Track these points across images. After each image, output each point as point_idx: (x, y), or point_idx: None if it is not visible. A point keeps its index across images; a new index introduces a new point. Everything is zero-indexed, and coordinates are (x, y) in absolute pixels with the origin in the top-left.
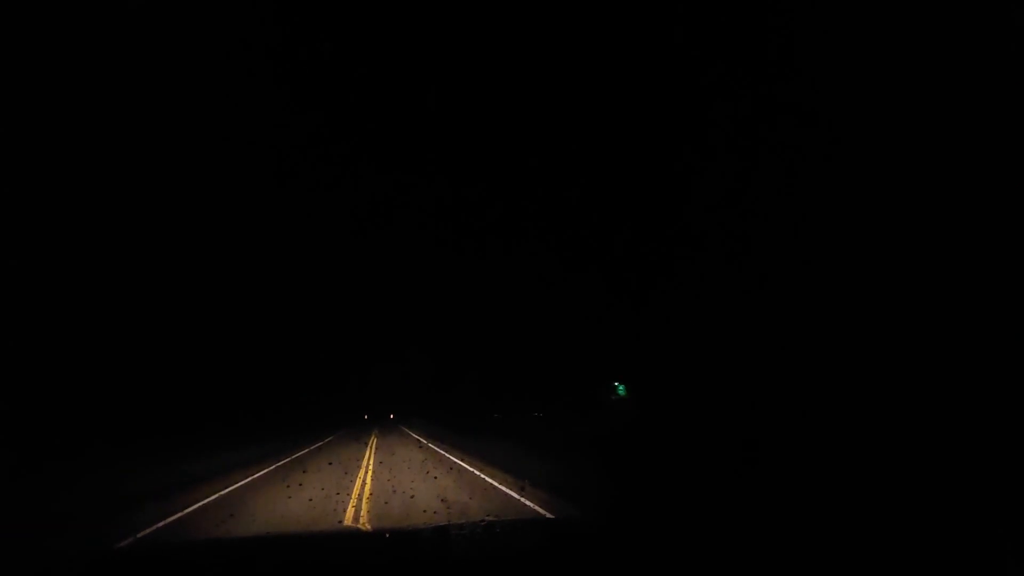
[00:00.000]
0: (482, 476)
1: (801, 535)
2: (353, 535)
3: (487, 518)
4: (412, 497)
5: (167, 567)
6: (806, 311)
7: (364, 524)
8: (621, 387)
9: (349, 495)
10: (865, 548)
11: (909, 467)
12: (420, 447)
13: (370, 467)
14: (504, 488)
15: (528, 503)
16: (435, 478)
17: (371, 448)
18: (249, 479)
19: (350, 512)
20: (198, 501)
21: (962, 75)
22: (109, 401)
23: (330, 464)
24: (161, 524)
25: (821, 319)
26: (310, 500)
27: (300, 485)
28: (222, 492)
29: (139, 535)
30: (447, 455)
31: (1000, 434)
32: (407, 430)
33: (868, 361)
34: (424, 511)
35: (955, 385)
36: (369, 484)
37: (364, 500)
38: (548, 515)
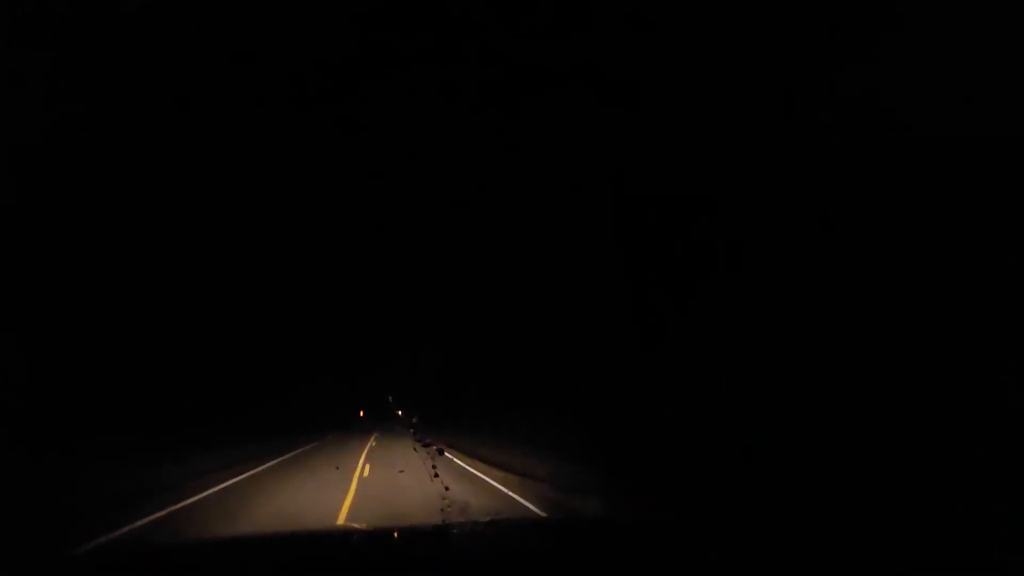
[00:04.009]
0: None
1: (801, 535)
2: (352, 534)
3: (487, 517)
4: None
5: (160, 566)
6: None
7: (363, 523)
8: None
9: None
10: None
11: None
12: None
13: None
14: None
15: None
16: None
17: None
18: None
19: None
20: None
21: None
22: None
23: None
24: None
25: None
26: None
27: None
28: None
29: (130, 531)
30: None
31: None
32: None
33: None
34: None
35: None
36: None
37: None
38: (547, 515)
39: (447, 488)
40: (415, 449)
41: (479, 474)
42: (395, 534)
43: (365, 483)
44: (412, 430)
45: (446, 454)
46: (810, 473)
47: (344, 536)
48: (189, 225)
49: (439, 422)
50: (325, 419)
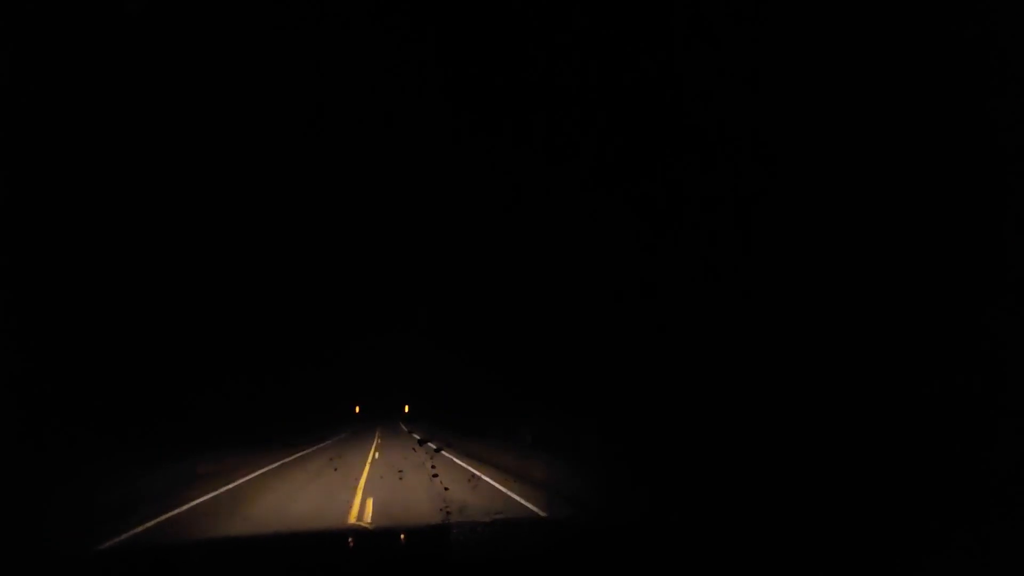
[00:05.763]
0: None
1: (800, 536)
2: (353, 534)
3: (488, 517)
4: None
5: (164, 567)
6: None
7: (365, 523)
8: None
9: None
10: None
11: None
12: None
13: None
14: None
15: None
16: None
17: None
18: None
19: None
20: None
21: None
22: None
23: None
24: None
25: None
26: None
27: None
28: None
29: (134, 533)
30: None
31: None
32: None
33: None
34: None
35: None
36: None
37: None
38: (548, 515)
39: (447, 489)
40: (414, 449)
41: (479, 473)
42: (401, 536)
43: None
44: (410, 430)
45: (444, 453)
46: (808, 475)
47: (347, 536)
48: (185, 223)
49: (440, 422)
50: (317, 416)
